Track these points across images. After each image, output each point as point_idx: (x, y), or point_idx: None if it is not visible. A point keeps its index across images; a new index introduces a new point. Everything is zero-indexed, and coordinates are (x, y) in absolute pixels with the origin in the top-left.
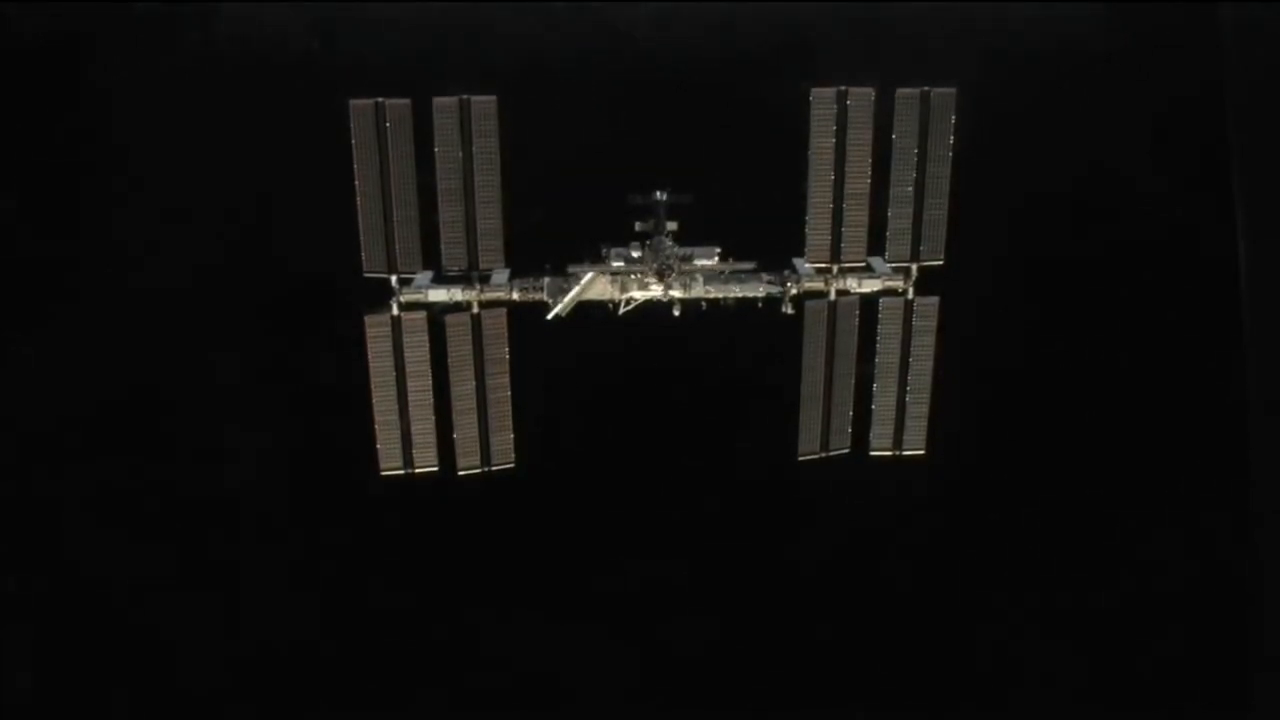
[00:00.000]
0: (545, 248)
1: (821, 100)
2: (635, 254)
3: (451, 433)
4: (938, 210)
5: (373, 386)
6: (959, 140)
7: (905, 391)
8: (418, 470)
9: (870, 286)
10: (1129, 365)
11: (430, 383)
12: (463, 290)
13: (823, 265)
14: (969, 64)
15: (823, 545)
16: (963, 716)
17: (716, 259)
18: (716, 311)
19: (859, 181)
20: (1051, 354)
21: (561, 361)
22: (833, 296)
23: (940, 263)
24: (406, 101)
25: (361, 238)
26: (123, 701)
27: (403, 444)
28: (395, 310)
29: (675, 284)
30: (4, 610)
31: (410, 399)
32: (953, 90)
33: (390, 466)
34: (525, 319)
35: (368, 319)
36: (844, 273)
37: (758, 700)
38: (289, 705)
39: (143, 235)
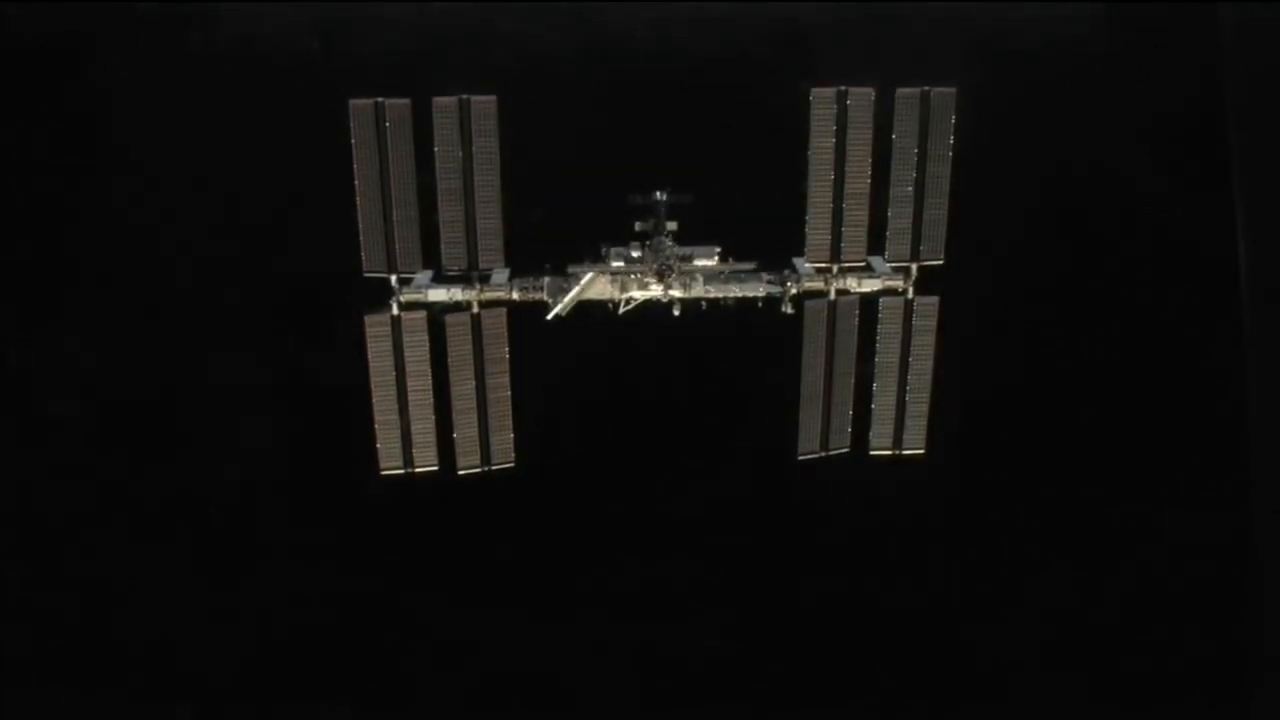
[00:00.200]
0: (545, 248)
1: (821, 100)
2: (635, 254)
3: (451, 432)
4: (938, 210)
5: (373, 386)
6: (959, 140)
7: (905, 391)
8: (418, 470)
9: (870, 286)
10: (1129, 365)
11: (430, 382)
12: (463, 290)
13: (823, 265)
14: (969, 64)
15: (822, 544)
16: (962, 716)
17: (716, 259)
18: (716, 311)
19: (859, 181)
20: (1051, 354)
21: (561, 361)
22: (832, 296)
23: (940, 262)
24: (406, 101)
25: (361, 237)
26: (122, 701)
27: (403, 443)
28: (395, 310)
29: (675, 284)
30: (4, 610)
31: (410, 399)
32: (953, 90)
33: (390, 466)
34: (525, 319)
35: (368, 319)
36: (844, 272)
37: (758, 700)
38: (289, 704)
39: (143, 235)
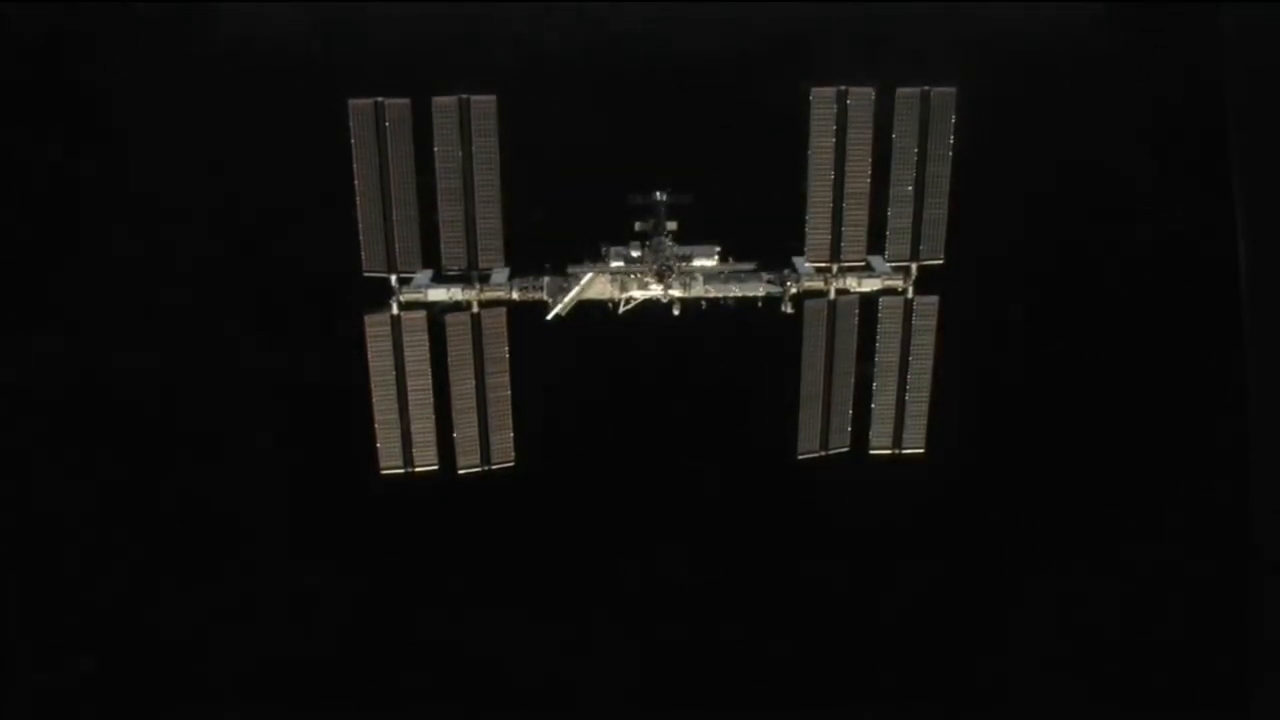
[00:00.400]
0: (545, 248)
1: (821, 100)
2: (635, 254)
3: (451, 432)
4: (937, 209)
5: (373, 386)
6: (958, 140)
7: (905, 390)
8: (418, 469)
9: (870, 286)
10: (1129, 365)
11: (430, 382)
12: (462, 290)
13: (822, 264)
14: (969, 64)
15: (822, 544)
16: (961, 716)
17: (716, 259)
18: (716, 311)
19: (859, 181)
20: (1051, 353)
21: (561, 361)
22: (832, 296)
23: (940, 262)
24: (406, 101)
25: (361, 237)
26: (122, 700)
27: (403, 443)
28: (395, 310)
29: (675, 284)
30: (3, 610)
31: (410, 398)
32: (953, 90)
33: (390, 465)
34: (525, 318)
35: (367, 318)
36: (844, 272)
37: (758, 700)
38: (288, 704)
39: (142, 235)
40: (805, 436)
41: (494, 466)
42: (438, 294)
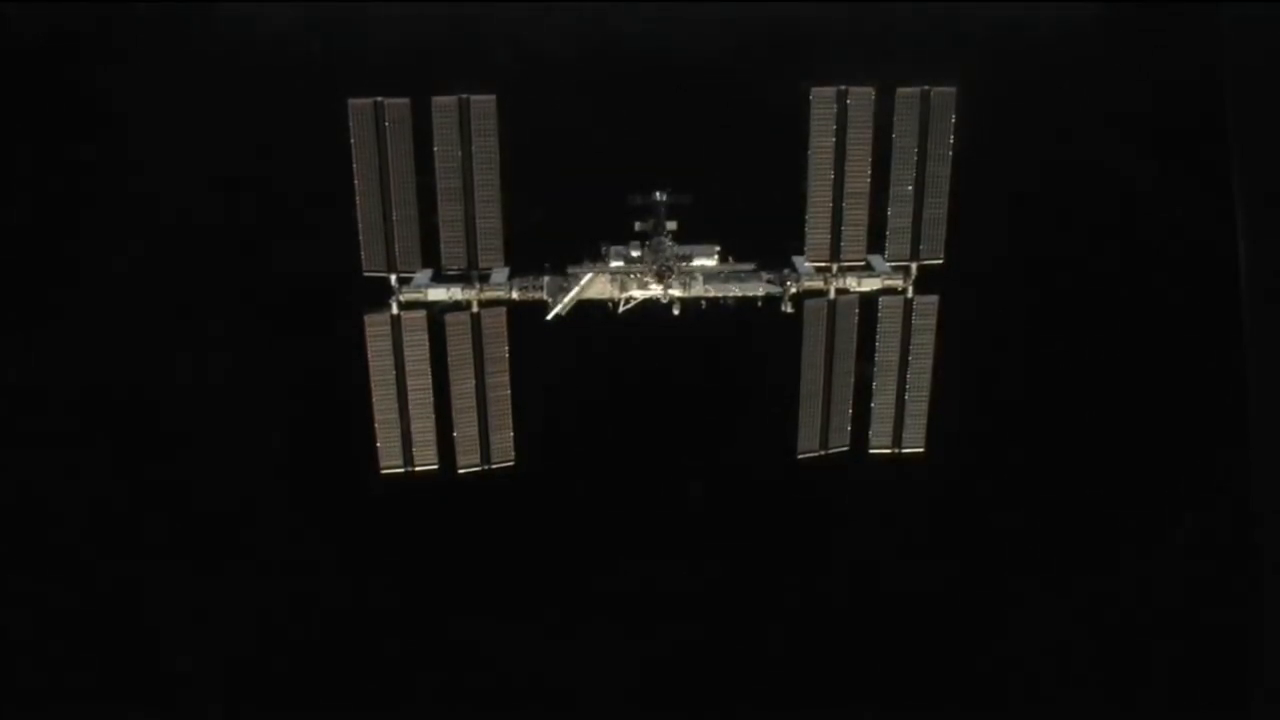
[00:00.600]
0: (545, 247)
1: (821, 100)
2: (635, 253)
3: (451, 431)
4: (937, 209)
5: (372, 385)
6: (958, 139)
7: (904, 390)
8: (418, 468)
9: (870, 285)
10: (1129, 365)
11: (430, 381)
12: (462, 289)
13: (822, 264)
14: (969, 64)
15: (822, 543)
16: (961, 716)
17: (716, 258)
18: (716, 311)
19: (859, 180)
20: (1051, 353)
21: (561, 360)
22: (832, 295)
23: (940, 261)
24: (406, 101)
25: (361, 237)
26: (121, 700)
27: (403, 442)
28: (395, 309)
29: (675, 283)
30: (3, 610)
31: (410, 398)
32: (953, 90)
33: (390, 465)
34: (525, 318)
35: (367, 318)
36: (843, 271)
37: (757, 700)
38: (288, 704)
39: (142, 235)
40: (805, 436)
41: (494, 466)
42: (438, 294)
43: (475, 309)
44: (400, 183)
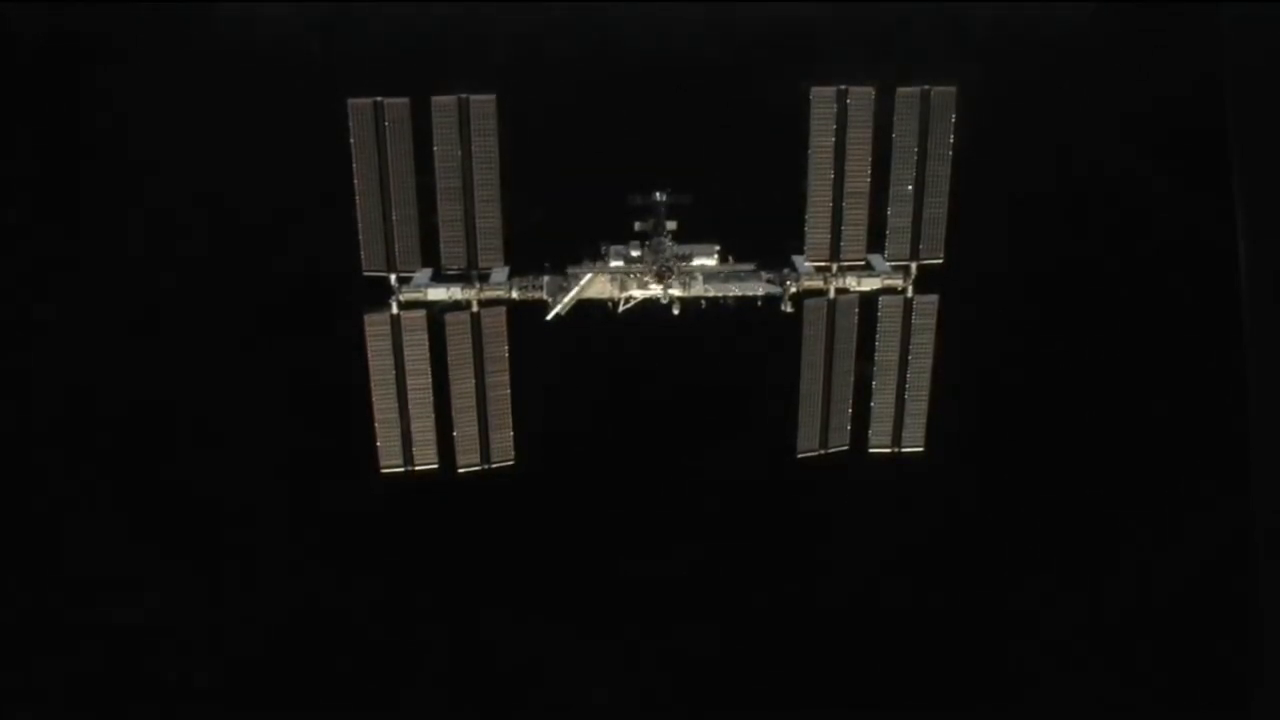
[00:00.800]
0: (545, 247)
1: (821, 100)
2: (635, 253)
3: (451, 431)
4: (937, 209)
5: (372, 385)
6: (958, 139)
7: (904, 389)
8: (417, 468)
9: (870, 285)
10: (1128, 364)
11: (430, 381)
12: (462, 289)
13: (822, 264)
14: (969, 64)
15: (822, 543)
16: (961, 715)
17: (716, 258)
18: (716, 310)
19: (859, 180)
20: (1051, 353)
21: (561, 360)
22: (832, 295)
23: (940, 261)
24: (405, 100)
25: (361, 237)
26: (121, 700)
27: (403, 442)
28: (395, 309)
29: (675, 283)
30: (3, 611)
31: (410, 397)
32: (953, 89)
33: (390, 464)
34: (524, 318)
35: (367, 318)
36: (843, 271)
37: (757, 699)
38: (288, 703)
39: (142, 235)
40: (805, 435)
41: (494, 465)
42: (437, 293)
43: (475, 309)
44: (400, 182)
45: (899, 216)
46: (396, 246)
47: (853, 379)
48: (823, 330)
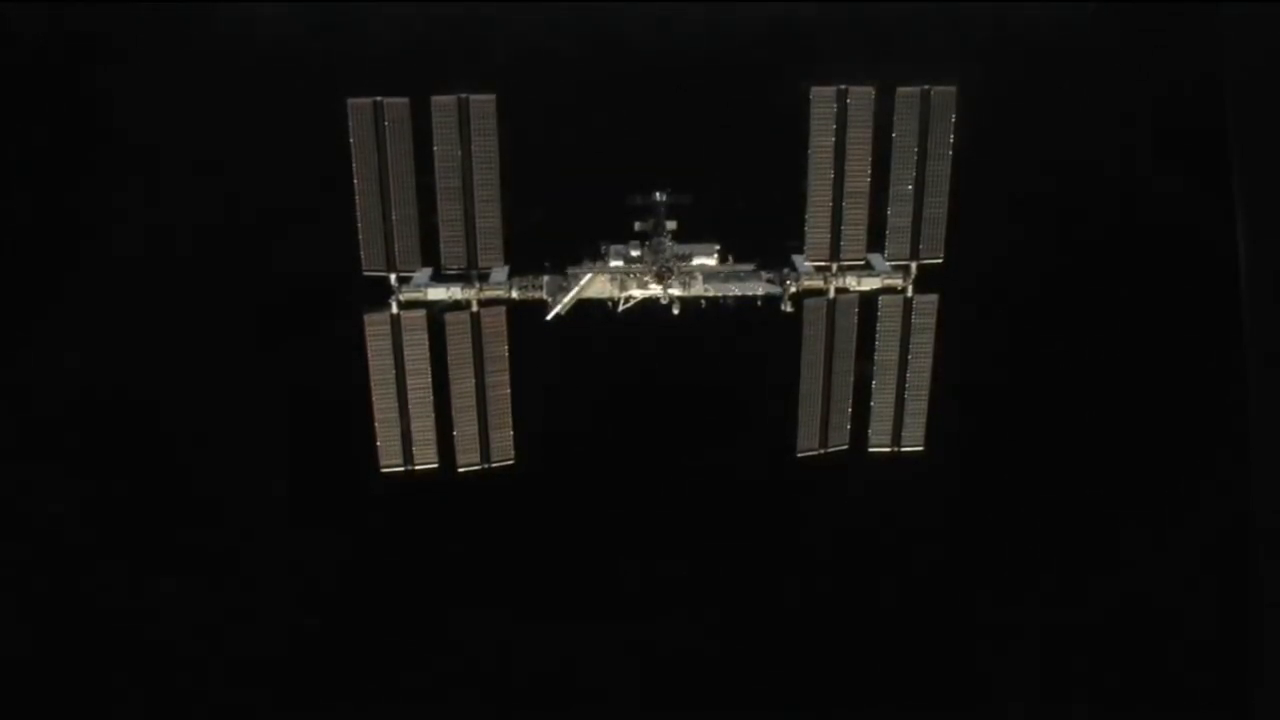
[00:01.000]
0: (545, 247)
1: (821, 99)
2: (635, 253)
3: (451, 430)
4: (937, 208)
5: (372, 384)
6: (958, 138)
7: (904, 388)
8: (418, 467)
9: (869, 284)
10: (1128, 364)
11: (430, 380)
12: (462, 289)
13: (822, 263)
14: (969, 63)
15: (821, 542)
16: (959, 716)
17: (716, 258)
18: (716, 310)
19: (858, 180)
20: (1050, 352)
21: (561, 360)
22: (832, 294)
23: (940, 261)
24: (405, 100)
25: (360, 236)
26: (121, 701)
27: (403, 441)
28: (395, 309)
29: (675, 283)
30: (3, 611)
31: (410, 397)
32: (953, 89)
33: (390, 464)
34: (524, 317)
35: (367, 317)
36: (843, 270)
37: (757, 698)
38: (287, 703)
39: (142, 234)
40: (805, 435)
41: (494, 465)
42: (437, 293)
43: (475, 308)
44: (400, 182)
45: (899, 216)
46: (396, 246)
47: (852, 378)
48: (823, 330)
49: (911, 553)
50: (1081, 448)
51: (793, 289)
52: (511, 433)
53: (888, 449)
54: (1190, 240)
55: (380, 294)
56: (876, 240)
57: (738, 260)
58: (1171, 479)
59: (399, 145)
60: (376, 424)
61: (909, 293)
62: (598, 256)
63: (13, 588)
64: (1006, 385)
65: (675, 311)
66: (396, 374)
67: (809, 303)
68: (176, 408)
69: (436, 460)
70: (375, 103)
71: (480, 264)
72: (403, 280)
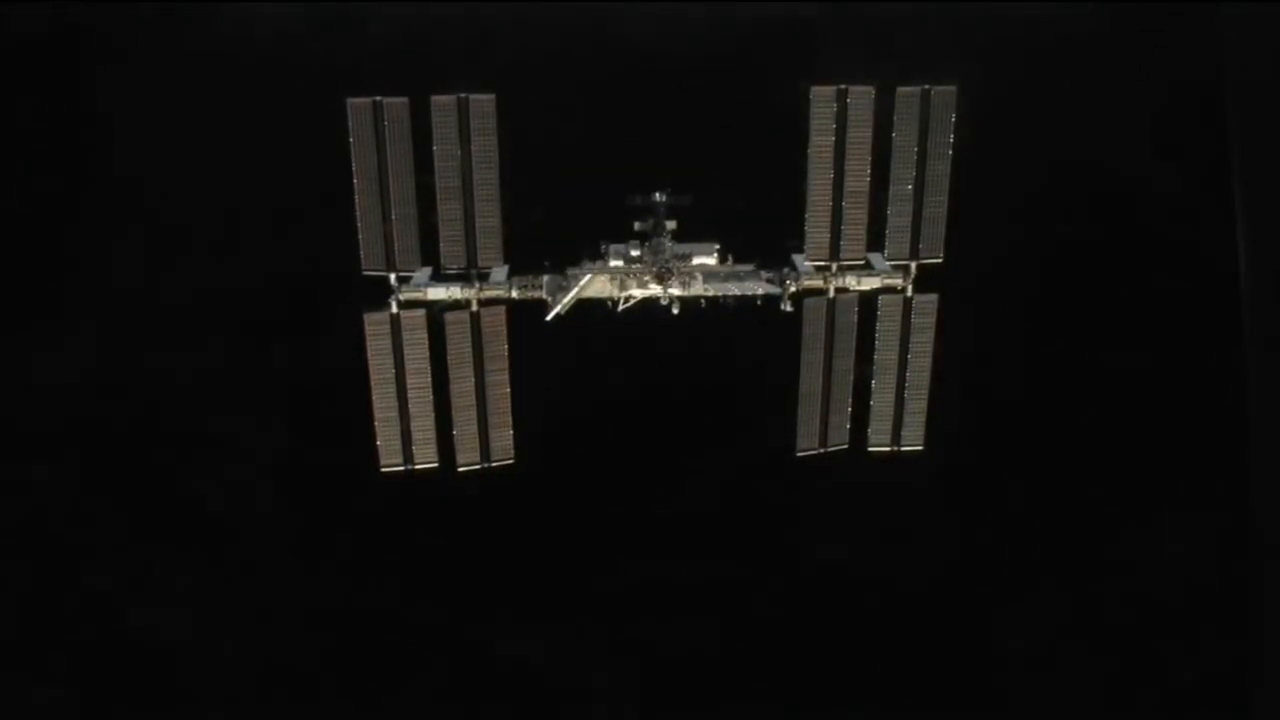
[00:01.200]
0: (545, 247)
1: (821, 99)
2: (635, 252)
3: (451, 429)
4: (937, 208)
5: (372, 384)
6: (958, 138)
7: (904, 388)
8: (417, 466)
9: (869, 284)
10: (1128, 364)
11: (430, 380)
12: (462, 288)
13: (822, 263)
14: (969, 63)
15: (821, 541)
16: (959, 716)
17: (715, 257)
18: (716, 310)
19: (858, 179)
20: (1050, 352)
21: (561, 359)
22: (831, 294)
23: (939, 260)
24: (404, 100)
25: (360, 236)
26: (121, 701)
27: (403, 441)
28: (394, 308)
29: (675, 283)
30: (3, 611)
31: (410, 396)
32: (953, 89)
33: (390, 463)
34: (524, 317)
35: (367, 317)
36: (843, 270)
37: (756, 698)
38: (287, 702)
39: (142, 235)
40: (804, 434)
41: (493, 464)
42: (437, 292)
43: (475, 308)
44: (399, 182)
45: (899, 216)
46: (396, 246)
47: (852, 378)
48: (822, 329)
49: (911, 552)
50: (1081, 447)
51: (793, 289)
52: (511, 432)
53: (887, 448)
54: (1190, 240)
55: (380, 294)
56: (876, 240)
57: (738, 260)
58: (1171, 479)
59: (398, 145)
60: (376, 423)
61: (909, 292)
62: (598, 256)
63: (12, 588)
64: (1006, 385)
65: (675, 311)
66: (396, 374)
67: (809, 302)
68: (176, 407)
69: (436, 460)
70: (375, 102)
71: (480, 264)
72: (403, 280)
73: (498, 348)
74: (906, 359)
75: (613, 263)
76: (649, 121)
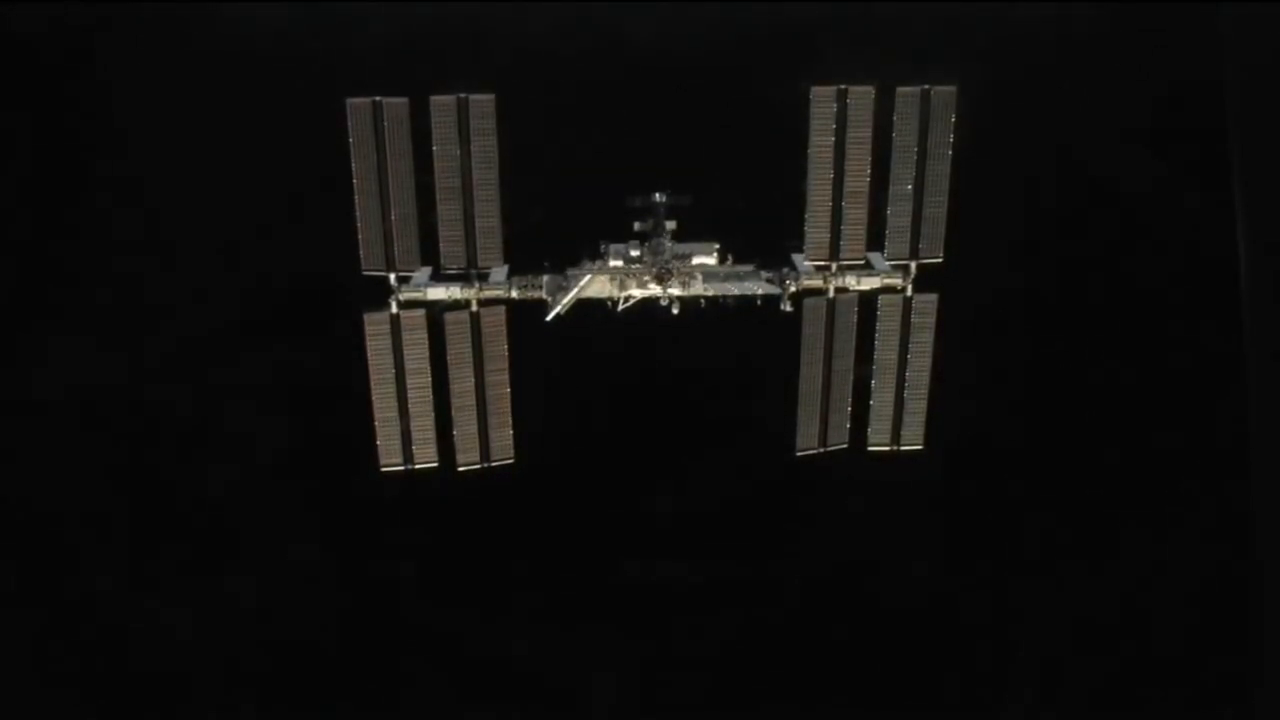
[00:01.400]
0: (545, 247)
1: (821, 99)
2: (634, 253)
3: (451, 429)
4: (937, 208)
5: (372, 384)
6: (958, 138)
7: (903, 388)
8: (417, 466)
9: (869, 284)
10: (1128, 364)
11: (430, 380)
12: (461, 288)
13: (822, 263)
14: (969, 63)
15: (821, 541)
16: (959, 716)
17: (715, 257)
18: (716, 310)
19: (858, 179)
20: (1050, 352)
21: (560, 358)
22: (831, 294)
23: (939, 260)
24: (404, 100)
25: (360, 236)
26: (121, 701)
27: (402, 440)
28: (394, 308)
29: (674, 283)
30: (3, 611)
31: (410, 396)
32: (953, 89)
33: (390, 463)
34: (524, 317)
35: (367, 317)
36: (843, 270)
37: (756, 699)
38: (286, 702)
39: (142, 234)
40: (804, 434)
41: (493, 464)
42: (437, 292)
43: (475, 308)
44: (399, 182)
45: (899, 216)
46: (396, 246)
47: (852, 377)
48: (822, 329)
49: (911, 552)
50: (1081, 447)
51: (792, 288)
52: (511, 432)
53: (887, 448)
54: (1190, 240)
55: (380, 294)
56: (876, 240)
57: (737, 260)
58: (1171, 479)
59: (398, 145)
60: (376, 423)
61: (909, 292)
62: (597, 256)
63: (12, 587)
64: (1006, 384)
65: (675, 312)
66: (396, 373)
67: (809, 302)
68: (175, 407)
69: (436, 459)
70: (374, 102)
71: (480, 264)
72: (402, 280)
73: (497, 348)
74: (906, 359)
75: (612, 263)
76: (648, 121)
